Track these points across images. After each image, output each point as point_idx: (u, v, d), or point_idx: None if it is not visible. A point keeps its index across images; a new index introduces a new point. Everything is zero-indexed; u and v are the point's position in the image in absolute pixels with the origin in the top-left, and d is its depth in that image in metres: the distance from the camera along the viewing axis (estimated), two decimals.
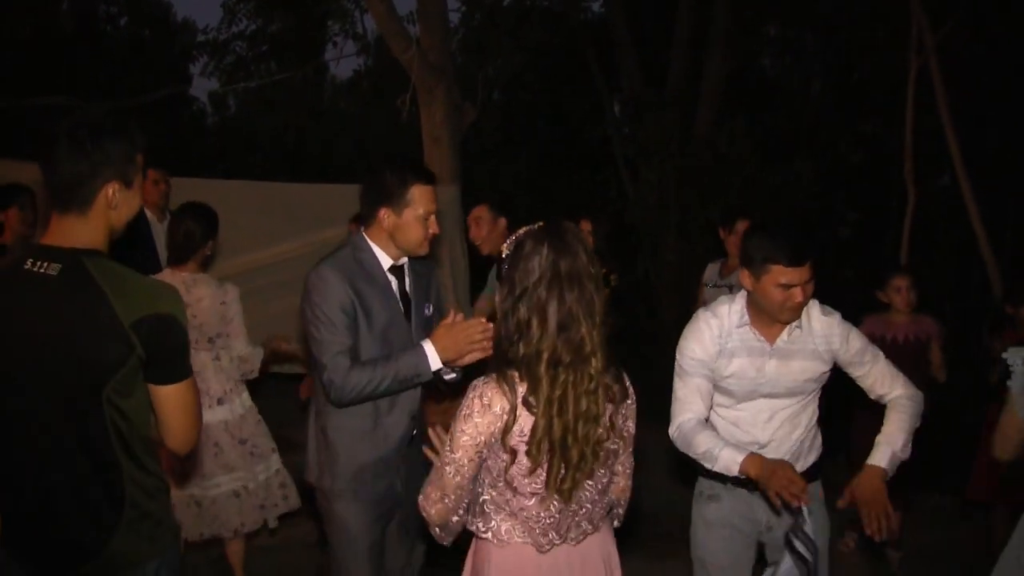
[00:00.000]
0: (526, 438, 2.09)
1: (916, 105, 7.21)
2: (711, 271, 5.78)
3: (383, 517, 3.13)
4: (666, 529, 5.29)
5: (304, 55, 13.29)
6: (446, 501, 2.20)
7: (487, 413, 2.10)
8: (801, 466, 2.91)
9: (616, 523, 2.43)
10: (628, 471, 2.37)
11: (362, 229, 3.10)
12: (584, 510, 2.21)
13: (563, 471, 2.11)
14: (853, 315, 5.03)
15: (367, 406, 3.02)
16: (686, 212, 8.46)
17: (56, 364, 2.09)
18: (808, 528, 2.55)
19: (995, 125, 9.40)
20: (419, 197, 2.99)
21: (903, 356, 4.87)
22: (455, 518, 2.23)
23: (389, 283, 3.09)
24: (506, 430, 2.10)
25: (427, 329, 3.10)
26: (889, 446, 2.86)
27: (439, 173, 7.58)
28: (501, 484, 2.17)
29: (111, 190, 2.19)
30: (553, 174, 12.74)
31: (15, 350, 2.11)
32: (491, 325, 2.79)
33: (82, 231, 2.18)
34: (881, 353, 3.03)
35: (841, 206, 10.70)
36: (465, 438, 2.13)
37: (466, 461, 2.15)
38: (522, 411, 2.09)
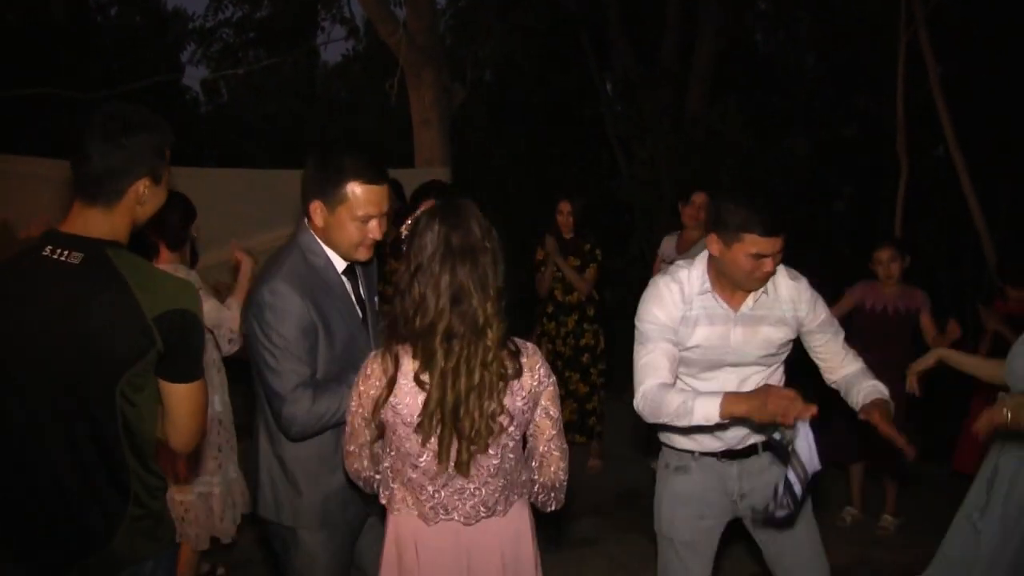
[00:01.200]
0: (406, 415, 2.13)
1: (908, 77, 7.19)
2: (667, 244, 5.81)
3: (354, 541, 2.84)
4: None
5: (292, 41, 13.23)
6: (350, 458, 2.32)
7: (367, 383, 2.19)
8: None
9: (554, 506, 2.36)
10: (558, 453, 2.29)
11: (307, 223, 2.66)
12: (475, 491, 2.21)
13: (456, 443, 2.13)
14: (846, 288, 5.12)
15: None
16: (679, 189, 8.46)
17: (73, 352, 2.06)
18: (801, 446, 2.47)
19: (987, 96, 9.37)
20: (358, 197, 2.54)
21: (890, 326, 4.92)
22: (365, 474, 2.33)
23: (346, 290, 2.71)
24: (377, 404, 2.16)
25: (379, 326, 2.79)
26: (873, 384, 2.87)
27: (429, 156, 7.64)
28: (393, 452, 2.23)
29: (142, 187, 2.18)
30: (546, 154, 12.72)
31: (32, 336, 2.07)
32: None
33: (105, 223, 2.16)
34: (842, 331, 2.99)
35: (836, 180, 10.70)
36: (353, 404, 2.24)
37: (356, 425, 2.25)
38: (405, 385, 2.13)
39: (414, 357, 2.13)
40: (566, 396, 5.80)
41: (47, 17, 13.22)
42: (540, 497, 2.34)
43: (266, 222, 6.59)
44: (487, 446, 2.14)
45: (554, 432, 2.29)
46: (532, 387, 2.21)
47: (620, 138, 10.22)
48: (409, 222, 2.24)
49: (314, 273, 2.62)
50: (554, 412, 2.28)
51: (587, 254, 5.75)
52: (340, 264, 2.69)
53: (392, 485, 2.27)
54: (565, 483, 2.34)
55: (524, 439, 2.31)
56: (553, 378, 2.28)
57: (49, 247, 2.10)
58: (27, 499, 2.16)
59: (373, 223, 2.58)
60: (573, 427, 5.84)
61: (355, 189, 2.53)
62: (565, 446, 2.32)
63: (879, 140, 9.49)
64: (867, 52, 10.18)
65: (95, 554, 2.16)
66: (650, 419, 2.75)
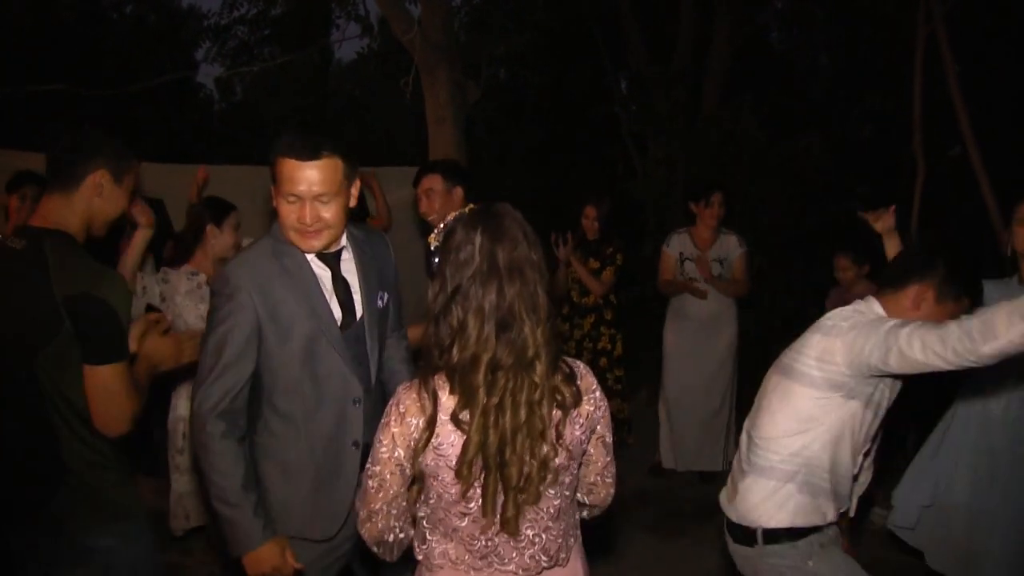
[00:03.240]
0: (451, 456, 1.83)
1: (925, 76, 7.12)
2: (681, 242, 5.76)
3: (338, 560, 2.67)
4: (676, 509, 5.31)
5: (307, 38, 13.24)
6: (374, 519, 1.94)
7: (402, 423, 1.86)
8: None
9: (584, 514, 2.17)
10: (610, 479, 2.09)
11: None
12: (536, 538, 1.91)
13: (502, 495, 1.83)
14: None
15: (298, 439, 2.49)
16: (693, 188, 8.41)
17: (2, 327, 2.27)
18: None
19: (1005, 95, 9.29)
20: (282, 172, 2.36)
21: None
22: (390, 536, 1.97)
23: (315, 280, 2.50)
24: (418, 450, 1.85)
25: (383, 324, 2.65)
26: None
27: (443, 154, 7.60)
28: (433, 500, 1.92)
29: (100, 176, 2.39)
30: (560, 152, 12.69)
31: None
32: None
33: (62, 211, 2.36)
34: None
35: (851, 180, 10.64)
36: (383, 450, 1.89)
37: (387, 475, 1.89)
38: (445, 426, 1.83)
39: (451, 392, 1.82)
40: None
41: (61, 14, 13.27)
42: (582, 512, 2.14)
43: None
44: (538, 496, 1.84)
45: (608, 459, 2.05)
46: (589, 413, 1.93)
47: (634, 137, 10.18)
48: (438, 231, 1.96)
49: (278, 261, 2.45)
50: (609, 438, 2.03)
51: (607, 257, 5.73)
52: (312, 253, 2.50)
53: (430, 538, 1.95)
54: (611, 499, 2.15)
55: None
56: (606, 401, 2.02)
57: (10, 237, 2.35)
58: None
59: (309, 205, 2.37)
60: None
61: (281, 166, 2.36)
62: (615, 470, 2.11)
63: (894, 140, 9.43)
64: (883, 50, 10.11)
65: (37, 517, 2.31)
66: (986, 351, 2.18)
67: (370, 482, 1.92)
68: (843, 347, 2.46)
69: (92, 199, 2.40)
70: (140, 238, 3.81)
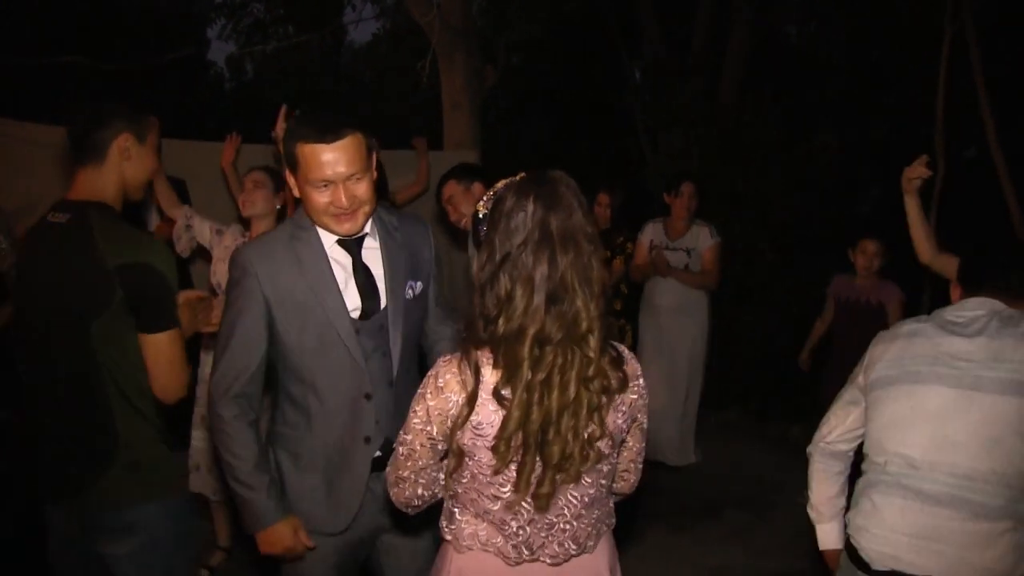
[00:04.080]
0: (486, 437, 1.75)
1: (948, 75, 7.04)
2: (654, 231, 5.82)
3: (352, 555, 2.59)
4: (680, 503, 5.28)
5: (322, 18, 13.16)
6: (401, 486, 1.91)
7: (439, 397, 1.78)
8: None
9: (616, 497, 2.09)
10: (640, 465, 2.03)
11: None
12: (566, 526, 1.84)
13: (539, 471, 1.74)
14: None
15: (310, 431, 2.45)
16: (707, 181, 8.34)
17: (53, 303, 2.30)
18: None
19: None
20: (307, 159, 2.26)
21: (862, 318, 4.96)
22: (417, 501, 1.94)
23: (328, 269, 2.40)
24: (455, 427, 1.77)
25: (413, 314, 2.53)
26: None
27: (459, 139, 7.55)
28: (467, 479, 1.84)
29: (124, 140, 2.41)
30: (573, 141, 12.61)
31: (33, 288, 2.36)
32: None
33: (96, 183, 2.39)
34: None
35: (867, 177, 10.55)
36: (416, 420, 1.83)
37: (418, 446, 1.84)
38: (486, 405, 1.74)
39: (495, 366, 1.73)
40: None
41: None
42: (613, 498, 2.06)
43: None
44: (579, 476, 1.76)
45: (641, 445, 1.99)
46: (633, 401, 1.84)
47: (648, 127, 10.10)
48: (487, 198, 1.83)
49: (288, 248, 2.39)
50: (646, 424, 1.96)
51: (618, 247, 5.69)
52: (329, 237, 2.42)
53: (460, 518, 1.89)
54: (637, 484, 2.09)
55: None
56: (646, 387, 1.93)
57: (51, 212, 2.38)
58: (40, 438, 2.42)
59: (341, 188, 2.28)
60: None
61: (304, 152, 2.25)
62: (644, 455, 2.05)
63: (911, 139, 9.33)
64: (902, 48, 10.00)
65: (85, 492, 2.34)
66: None
67: (400, 449, 1.87)
68: None
69: (121, 164, 2.42)
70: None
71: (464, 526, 1.88)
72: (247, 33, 13.55)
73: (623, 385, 1.79)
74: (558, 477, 1.74)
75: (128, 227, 2.38)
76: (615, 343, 1.85)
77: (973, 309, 2.32)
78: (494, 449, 1.73)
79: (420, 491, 1.91)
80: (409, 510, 1.98)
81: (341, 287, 2.41)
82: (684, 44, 10.42)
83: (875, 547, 2.28)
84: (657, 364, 5.75)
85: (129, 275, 2.25)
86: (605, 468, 1.85)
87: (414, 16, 7.54)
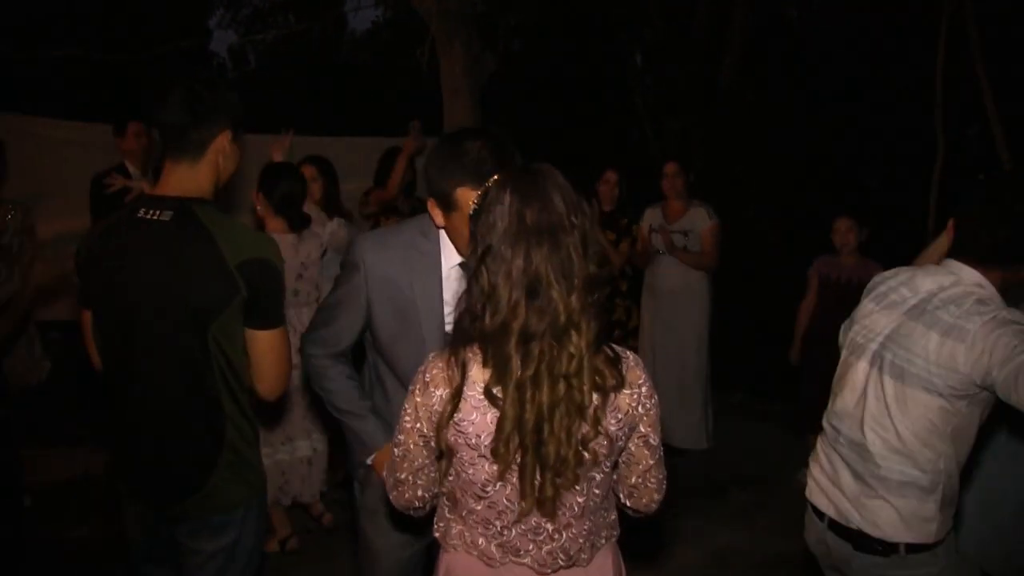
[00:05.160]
0: (472, 434, 1.72)
1: (948, 53, 7.03)
2: (653, 215, 5.84)
3: (419, 539, 2.59)
4: (686, 485, 5.30)
5: (321, 7, 13.15)
6: (400, 488, 1.88)
7: (425, 393, 1.76)
8: None
9: (628, 513, 1.99)
10: (654, 484, 1.89)
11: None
12: (555, 534, 1.78)
13: (539, 476, 1.69)
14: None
15: (383, 398, 2.54)
16: (710, 162, 8.35)
17: (169, 302, 2.20)
18: None
19: None
20: (466, 202, 2.10)
21: (846, 296, 4.93)
22: (418, 503, 1.90)
23: (439, 290, 2.41)
24: (442, 420, 1.73)
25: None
26: None
27: (459, 125, 7.50)
28: (452, 478, 1.82)
29: (224, 139, 2.32)
30: (575, 126, 12.60)
31: (136, 290, 2.22)
32: None
33: (191, 179, 2.30)
34: None
35: (868, 157, 10.55)
36: (407, 419, 1.81)
37: (411, 445, 1.81)
38: (473, 399, 1.71)
39: (484, 364, 1.69)
40: None
41: None
42: (630, 513, 1.98)
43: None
44: (576, 478, 1.71)
45: (652, 462, 1.86)
46: (630, 408, 1.75)
47: (649, 110, 10.11)
48: (479, 194, 1.81)
49: (409, 255, 2.39)
50: (654, 439, 1.84)
51: (622, 228, 5.70)
52: (451, 259, 2.39)
53: (448, 516, 1.87)
54: (658, 505, 1.95)
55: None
56: (656, 398, 1.84)
57: (143, 209, 2.26)
58: (139, 442, 2.33)
59: None
60: None
61: (461, 195, 2.17)
62: (663, 474, 1.91)
63: (914, 116, 9.33)
64: (905, 26, 9.98)
65: (191, 496, 2.30)
66: None
67: (396, 451, 1.85)
68: (968, 354, 2.17)
69: (217, 162, 2.34)
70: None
71: (452, 525, 1.86)
72: (246, 23, 13.55)
73: (620, 384, 1.73)
74: (557, 481, 1.70)
75: (239, 223, 2.37)
76: (618, 347, 1.80)
77: None
78: (494, 452, 1.69)
79: (420, 492, 1.88)
80: (412, 512, 1.95)
81: (445, 308, 2.41)
82: (685, 28, 10.41)
83: None
84: (659, 347, 5.76)
85: (251, 272, 2.22)
86: (597, 477, 1.78)
87: (412, 2, 7.54)
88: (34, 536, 4.33)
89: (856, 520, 2.40)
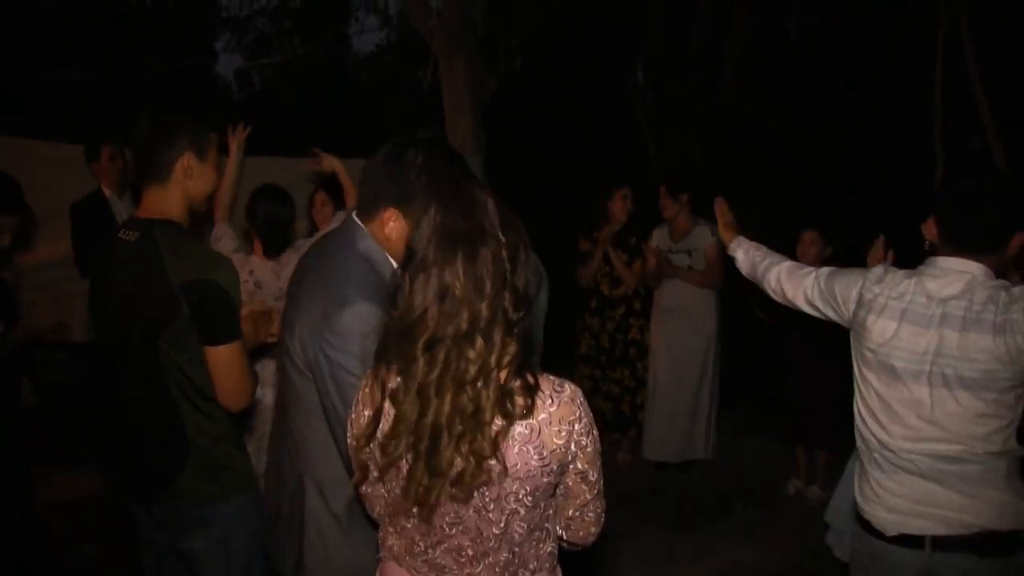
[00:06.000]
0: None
1: (946, 66, 7.07)
2: (659, 235, 5.84)
3: None
4: (691, 502, 5.31)
5: (326, 30, 13.29)
6: (370, 501, 1.93)
7: (356, 410, 1.82)
8: None
9: (564, 545, 1.94)
10: (591, 516, 1.87)
11: (357, 218, 2.21)
12: (474, 556, 1.76)
13: (426, 479, 1.68)
14: None
15: None
16: (711, 177, 8.40)
17: (124, 315, 2.44)
18: None
19: None
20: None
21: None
22: (374, 514, 1.94)
23: None
24: (359, 444, 1.77)
25: None
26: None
27: (461, 144, 7.62)
28: (387, 494, 1.84)
29: (187, 160, 2.52)
30: (576, 142, 12.66)
31: (107, 301, 2.51)
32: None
33: (162, 201, 2.53)
34: None
35: (867, 169, 10.59)
36: (349, 437, 1.84)
37: (357, 464, 1.83)
38: (389, 412, 1.72)
39: (398, 373, 1.71)
40: (606, 394, 5.88)
41: (82, 3, 13.33)
42: (564, 545, 1.93)
43: (300, 208, 6.64)
44: (470, 493, 1.68)
45: (590, 497, 1.83)
46: (558, 447, 1.70)
47: (650, 124, 10.17)
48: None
49: (384, 287, 2.10)
50: (593, 475, 1.80)
51: (633, 247, 5.72)
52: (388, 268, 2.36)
53: (388, 528, 1.87)
54: (595, 538, 1.93)
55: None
56: (595, 434, 1.78)
57: (123, 230, 2.53)
58: (115, 443, 2.63)
59: None
60: (609, 425, 5.88)
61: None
62: (602, 507, 1.90)
63: (915, 129, 9.36)
64: (904, 38, 10.03)
65: (164, 493, 2.50)
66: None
67: (352, 467, 1.86)
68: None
69: (185, 182, 2.53)
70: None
71: (389, 536, 1.87)
72: (252, 47, 13.69)
73: (527, 412, 1.67)
74: (450, 490, 1.68)
75: (193, 245, 2.54)
76: (549, 376, 1.76)
77: None
78: (383, 448, 1.71)
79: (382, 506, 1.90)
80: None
81: None
82: (685, 44, 10.48)
83: None
84: (667, 365, 5.76)
85: (193, 292, 2.36)
86: (521, 511, 1.74)
87: (414, 24, 7.63)
88: (42, 553, 4.36)
89: (975, 521, 2.36)
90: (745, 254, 3.01)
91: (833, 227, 5.23)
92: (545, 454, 1.68)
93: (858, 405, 2.55)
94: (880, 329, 2.41)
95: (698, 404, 5.75)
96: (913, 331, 2.35)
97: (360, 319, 2.01)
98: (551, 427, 1.68)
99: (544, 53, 13.25)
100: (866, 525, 2.52)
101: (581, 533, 1.88)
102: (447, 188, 1.81)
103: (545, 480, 1.72)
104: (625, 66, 11.67)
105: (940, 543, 2.38)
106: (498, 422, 1.65)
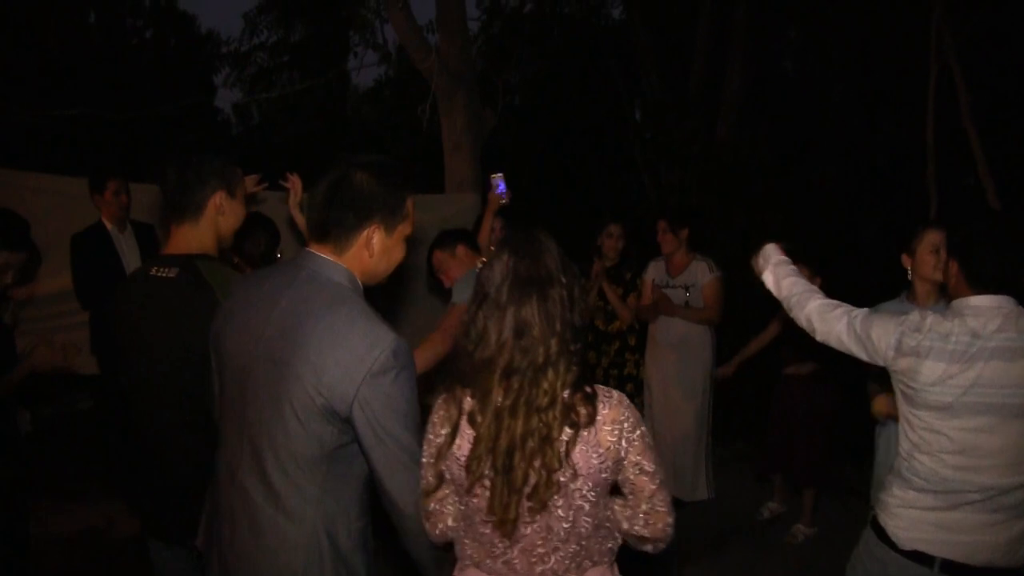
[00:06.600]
0: (464, 459, 1.96)
1: (938, 107, 7.16)
2: (656, 269, 5.86)
3: None
4: (691, 535, 5.29)
5: (325, 65, 13.40)
6: (433, 519, 2.11)
7: (434, 430, 2.03)
8: None
9: (649, 548, 2.14)
10: (663, 508, 2.07)
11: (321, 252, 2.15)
12: (545, 554, 2.00)
13: (506, 496, 1.92)
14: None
15: None
16: (708, 216, 8.45)
17: (169, 352, 2.48)
18: None
19: (1019, 125, 9.30)
20: (412, 211, 2.22)
21: (805, 338, 4.98)
22: (451, 533, 2.12)
23: None
24: (440, 455, 2.00)
25: None
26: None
27: (460, 181, 7.69)
28: (464, 506, 2.07)
29: (219, 198, 2.59)
30: (575, 180, 12.74)
31: (148, 339, 2.52)
32: None
33: (194, 238, 2.59)
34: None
35: (864, 208, 10.66)
36: (424, 457, 2.05)
37: (430, 480, 2.04)
38: (464, 430, 1.97)
39: (473, 396, 1.97)
40: None
41: (83, 38, 13.45)
42: (646, 547, 2.14)
43: (301, 240, 6.68)
44: (544, 505, 1.93)
45: (654, 487, 2.04)
46: (611, 444, 1.96)
47: (648, 164, 10.24)
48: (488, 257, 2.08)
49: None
50: (649, 466, 2.02)
51: (627, 282, 5.74)
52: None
53: (464, 539, 2.09)
54: (671, 530, 2.10)
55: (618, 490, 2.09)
56: (642, 430, 2.02)
57: (154, 267, 2.57)
58: (149, 480, 2.62)
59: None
60: None
61: (410, 204, 2.20)
62: (670, 497, 2.09)
63: (909, 169, 9.45)
64: (898, 81, 10.15)
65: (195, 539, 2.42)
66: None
67: (423, 483, 2.06)
68: None
69: (216, 219, 2.61)
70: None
71: (466, 547, 2.09)
72: (251, 81, 13.78)
73: (590, 421, 1.94)
74: (526, 504, 1.93)
75: (235, 273, 2.59)
76: (599, 386, 2.01)
77: None
78: (467, 468, 1.95)
79: (450, 522, 2.11)
80: (440, 541, 2.15)
81: None
82: (682, 82, 10.58)
83: None
84: (663, 401, 5.76)
85: None
86: (585, 506, 1.98)
87: (413, 62, 7.70)
88: None
89: (991, 556, 2.53)
90: (777, 282, 3.08)
91: (823, 260, 5.28)
92: (601, 452, 1.95)
93: (906, 438, 2.67)
94: (929, 371, 2.52)
95: (697, 441, 5.74)
96: (963, 367, 2.47)
97: (393, 354, 2.00)
98: (605, 427, 1.96)
99: (543, 91, 13.36)
100: (880, 532, 2.69)
101: (660, 525, 2.07)
102: (520, 237, 2.05)
103: (603, 477, 1.98)
104: (623, 104, 11.77)
105: (948, 566, 2.55)
106: (567, 432, 1.92)
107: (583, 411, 1.94)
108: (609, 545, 2.09)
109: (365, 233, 2.12)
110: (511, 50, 11.55)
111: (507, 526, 1.95)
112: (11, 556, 3.69)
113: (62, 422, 7.34)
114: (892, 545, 2.63)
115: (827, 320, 2.83)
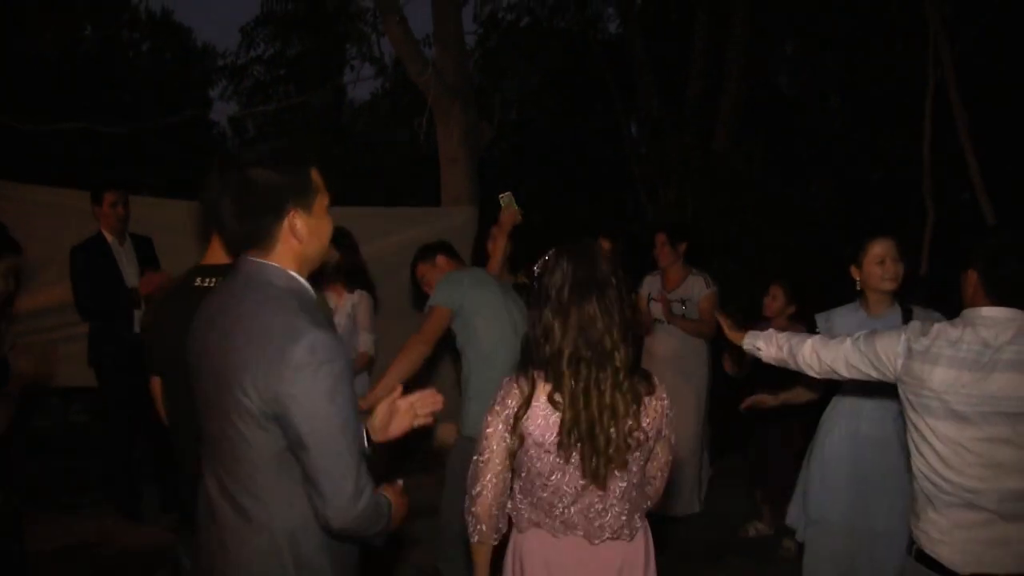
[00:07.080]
0: (538, 435, 2.28)
1: (935, 121, 7.18)
2: (651, 284, 5.88)
3: None
4: (687, 549, 5.28)
5: (322, 78, 13.42)
6: (484, 494, 2.37)
7: (503, 403, 2.33)
8: None
9: (647, 503, 2.53)
10: (666, 473, 2.55)
11: (252, 255, 2.05)
12: (603, 509, 2.34)
13: (595, 458, 2.26)
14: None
15: None
16: (704, 231, 8.46)
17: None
18: None
19: (1015, 139, 9.34)
20: (319, 179, 2.09)
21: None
22: (495, 509, 2.40)
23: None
24: (517, 417, 2.29)
25: None
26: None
27: (456, 194, 7.68)
28: (524, 473, 2.37)
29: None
30: (571, 194, 12.75)
31: (191, 354, 2.17)
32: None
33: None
34: None
35: (860, 223, 10.68)
36: (488, 428, 2.35)
37: (494, 446, 2.34)
38: (541, 404, 2.28)
39: (546, 380, 2.29)
40: None
41: (80, 51, 13.45)
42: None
43: None
44: (626, 462, 2.30)
45: (668, 458, 2.52)
46: (656, 415, 2.36)
47: (644, 179, 10.26)
48: (541, 262, 2.41)
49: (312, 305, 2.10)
50: (673, 439, 2.50)
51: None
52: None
53: (521, 506, 2.41)
54: (661, 495, 2.60)
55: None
56: (670, 409, 2.43)
57: (198, 278, 2.58)
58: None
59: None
60: None
61: (315, 174, 2.07)
62: (670, 468, 2.55)
63: (905, 185, 9.48)
64: (894, 96, 10.20)
65: None
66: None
67: (479, 459, 2.36)
68: None
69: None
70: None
71: (524, 512, 2.40)
72: (248, 94, 13.79)
73: (651, 391, 2.35)
74: (610, 463, 2.27)
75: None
76: (648, 371, 2.41)
77: None
78: (559, 445, 2.26)
79: (498, 496, 2.39)
80: (476, 530, 2.40)
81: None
82: (679, 97, 10.61)
83: None
84: None
85: None
86: (635, 468, 2.35)
87: (410, 75, 7.70)
88: None
89: None
90: (767, 341, 3.17)
91: (803, 285, 5.32)
92: (649, 421, 2.34)
93: (920, 453, 2.64)
94: (940, 378, 2.53)
95: (690, 454, 5.72)
96: (976, 377, 2.49)
97: (322, 348, 1.93)
98: (655, 402, 2.36)
99: (540, 105, 13.38)
100: (933, 564, 2.61)
101: (657, 485, 2.55)
102: (576, 246, 2.39)
103: (649, 443, 2.37)
104: (619, 119, 11.80)
105: None
106: (633, 405, 2.29)
107: (643, 386, 2.33)
108: (645, 506, 2.50)
109: (286, 223, 2.00)
110: (508, 64, 11.58)
111: (600, 480, 2.28)
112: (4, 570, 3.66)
113: (56, 435, 7.29)
114: (952, 574, 2.56)
115: (830, 347, 2.91)
